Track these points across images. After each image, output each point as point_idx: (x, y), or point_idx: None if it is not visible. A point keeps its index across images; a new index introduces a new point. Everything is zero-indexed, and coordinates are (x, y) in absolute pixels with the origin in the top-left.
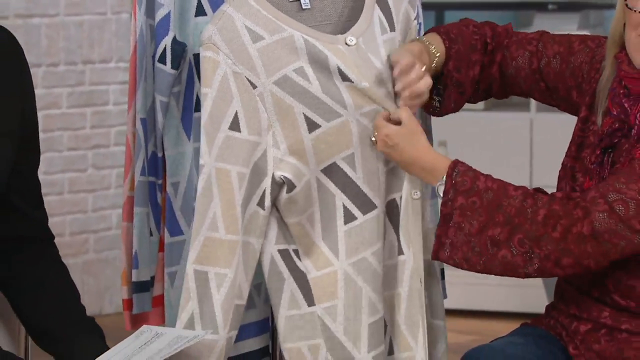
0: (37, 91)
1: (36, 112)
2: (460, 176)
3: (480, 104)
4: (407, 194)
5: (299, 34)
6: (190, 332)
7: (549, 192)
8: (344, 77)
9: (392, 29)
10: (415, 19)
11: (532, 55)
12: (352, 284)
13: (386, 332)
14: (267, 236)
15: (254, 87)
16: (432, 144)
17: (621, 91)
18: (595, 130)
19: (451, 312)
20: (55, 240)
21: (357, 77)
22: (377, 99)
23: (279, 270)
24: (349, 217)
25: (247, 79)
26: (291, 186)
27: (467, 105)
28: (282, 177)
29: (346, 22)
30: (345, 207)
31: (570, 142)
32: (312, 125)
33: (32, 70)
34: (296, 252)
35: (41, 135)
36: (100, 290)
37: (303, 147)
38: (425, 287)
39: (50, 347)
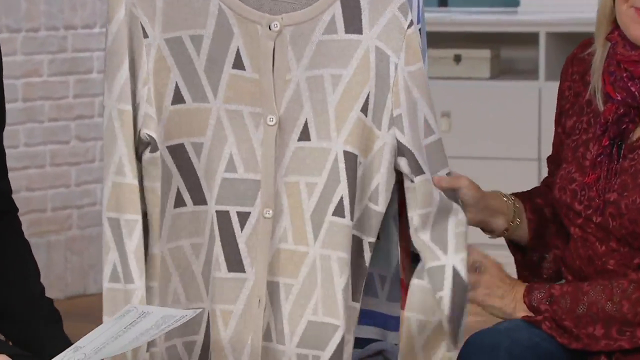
0: (16, 58)
1: (1, 74)
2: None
3: (486, 72)
4: (259, 212)
5: (218, 0)
6: (178, 312)
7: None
8: (237, 64)
9: (352, 30)
10: (410, 26)
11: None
12: (164, 268)
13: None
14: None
15: (146, 36)
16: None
17: (624, 74)
18: (587, 125)
19: None
20: (37, 216)
21: (253, 66)
22: (259, 95)
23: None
24: (180, 201)
25: (142, 25)
26: (155, 147)
27: (471, 74)
28: (147, 135)
29: (304, 4)
30: (179, 190)
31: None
32: (177, 98)
33: (10, 36)
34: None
35: (21, 105)
36: (84, 268)
37: (161, 116)
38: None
39: (3, 327)
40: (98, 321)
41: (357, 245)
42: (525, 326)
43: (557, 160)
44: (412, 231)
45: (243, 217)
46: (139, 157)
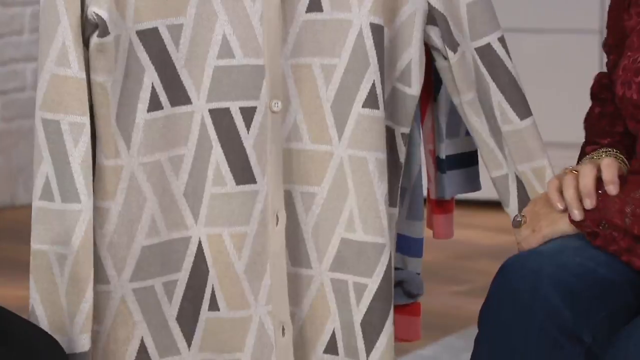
0: None
1: None
2: None
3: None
4: (265, 105)
5: None
6: None
7: None
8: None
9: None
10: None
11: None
12: (136, 188)
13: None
14: None
15: None
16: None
17: None
18: None
19: (483, 204)
20: None
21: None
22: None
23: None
24: (155, 104)
25: None
26: (104, 31)
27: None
28: (95, 15)
29: None
30: (153, 88)
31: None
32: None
33: None
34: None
35: None
36: (12, 172)
37: None
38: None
39: None
40: (30, 241)
41: (388, 137)
42: (578, 246)
43: (617, 48)
44: (469, 125)
45: (248, 114)
46: (84, 43)
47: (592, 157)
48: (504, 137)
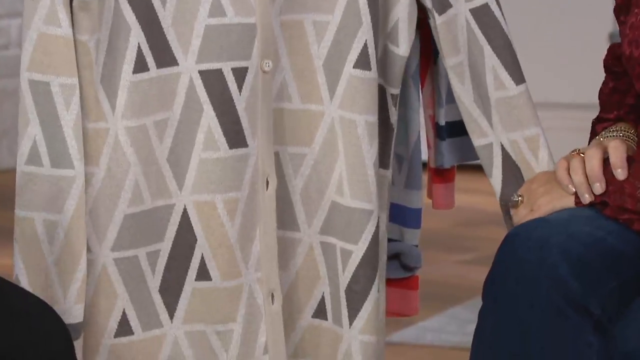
0: None
1: None
2: None
3: None
4: (257, 65)
5: None
6: None
7: None
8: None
9: None
10: None
11: None
12: (120, 153)
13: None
14: None
15: None
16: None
17: None
18: None
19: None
20: None
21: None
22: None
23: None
24: (141, 65)
25: None
26: None
27: None
28: None
29: None
30: (139, 49)
31: None
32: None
33: None
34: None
35: None
36: None
37: None
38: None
39: None
40: (14, 207)
41: (379, 97)
42: (587, 215)
43: (626, 8)
44: (455, 93)
45: (240, 75)
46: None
47: (600, 139)
48: (494, 104)
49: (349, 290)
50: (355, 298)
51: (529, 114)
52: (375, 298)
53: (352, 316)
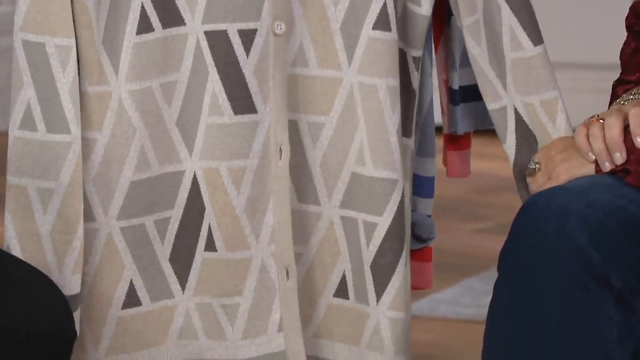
0: None
1: None
2: None
3: None
4: (267, 27)
5: None
6: None
7: None
8: None
9: None
10: None
11: None
12: (124, 117)
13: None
14: None
15: None
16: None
17: None
18: None
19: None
20: None
21: None
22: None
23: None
24: (145, 26)
25: None
26: None
27: None
28: None
29: None
30: (142, 8)
31: None
32: None
33: None
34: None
35: None
36: None
37: None
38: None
39: None
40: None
41: (400, 61)
42: (608, 183)
43: None
44: (470, 54)
45: (247, 37)
46: None
47: (620, 103)
48: (510, 66)
49: (374, 265)
50: (381, 273)
51: (547, 76)
52: (403, 272)
53: (379, 292)
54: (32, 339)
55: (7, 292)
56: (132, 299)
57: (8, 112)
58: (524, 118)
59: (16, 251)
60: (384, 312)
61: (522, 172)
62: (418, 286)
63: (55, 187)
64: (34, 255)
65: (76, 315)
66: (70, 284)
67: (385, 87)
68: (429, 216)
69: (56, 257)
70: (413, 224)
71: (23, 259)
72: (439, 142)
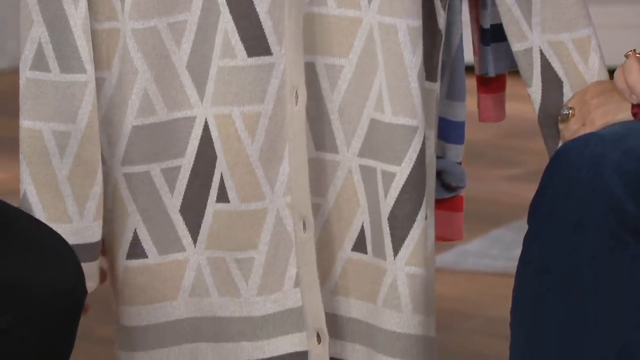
0: None
1: None
2: None
3: None
4: None
5: None
6: None
7: None
8: None
9: None
10: None
11: None
12: (127, 57)
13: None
14: None
15: None
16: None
17: None
18: None
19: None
20: None
21: None
22: None
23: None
24: None
25: None
26: None
27: None
28: None
29: None
30: None
31: None
32: None
33: None
34: None
35: None
36: None
37: None
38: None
39: None
40: (14, 115)
41: (426, 0)
42: None
43: None
44: None
45: None
46: None
47: None
48: (540, 2)
49: (392, 217)
50: (399, 226)
51: (580, 12)
52: (422, 226)
53: (396, 246)
54: (42, 296)
55: (17, 248)
56: (136, 250)
57: (6, 49)
58: (551, 59)
59: (33, 198)
60: (402, 268)
61: (547, 117)
62: (448, 237)
63: (71, 130)
64: (52, 202)
65: (96, 264)
66: (91, 231)
67: (405, 27)
68: (459, 163)
69: (76, 203)
70: (442, 172)
71: (41, 207)
72: (472, 84)
